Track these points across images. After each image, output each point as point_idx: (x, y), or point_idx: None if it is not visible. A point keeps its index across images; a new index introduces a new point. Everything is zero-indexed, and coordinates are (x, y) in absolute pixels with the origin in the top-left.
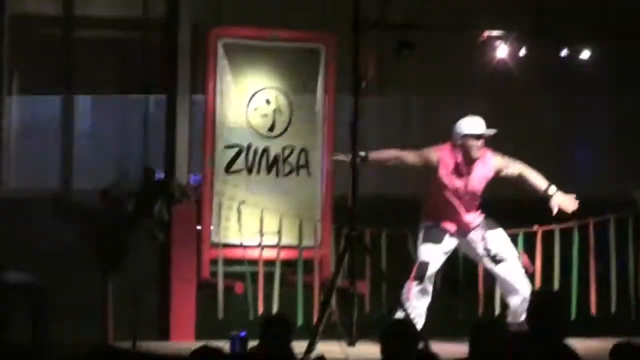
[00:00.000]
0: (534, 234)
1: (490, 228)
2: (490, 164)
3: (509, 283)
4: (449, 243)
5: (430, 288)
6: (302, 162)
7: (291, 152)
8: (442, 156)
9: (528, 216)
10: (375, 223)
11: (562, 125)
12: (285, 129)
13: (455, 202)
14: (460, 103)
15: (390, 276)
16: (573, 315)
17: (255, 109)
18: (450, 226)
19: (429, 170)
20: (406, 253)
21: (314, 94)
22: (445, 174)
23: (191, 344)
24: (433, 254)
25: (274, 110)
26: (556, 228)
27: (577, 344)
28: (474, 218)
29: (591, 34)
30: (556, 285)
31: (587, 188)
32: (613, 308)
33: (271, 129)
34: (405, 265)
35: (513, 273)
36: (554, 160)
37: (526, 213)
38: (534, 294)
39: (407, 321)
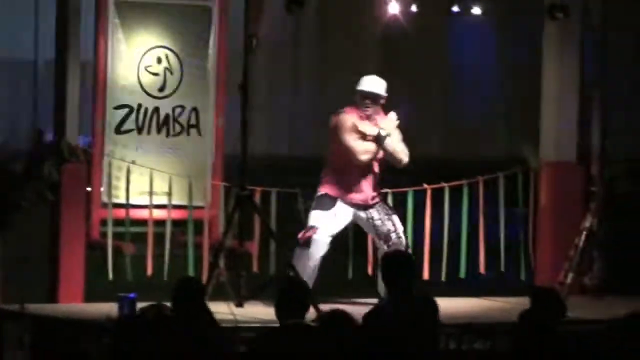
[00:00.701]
0: (424, 192)
1: (387, 213)
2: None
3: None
4: (344, 213)
5: (322, 251)
6: (192, 121)
7: (182, 112)
8: (348, 117)
9: (417, 175)
10: (265, 183)
11: (452, 85)
12: (176, 89)
13: (356, 170)
14: (354, 61)
15: (279, 236)
16: (462, 274)
17: (146, 67)
18: (348, 196)
19: (333, 135)
20: (296, 213)
21: (205, 53)
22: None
23: (80, 307)
24: (325, 220)
25: (165, 69)
26: (445, 187)
27: (466, 302)
28: (372, 191)
29: None
30: (445, 244)
31: (478, 148)
32: (502, 267)
33: (162, 88)
34: (295, 225)
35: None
36: (441, 120)
37: (416, 172)
38: (383, 256)
39: (298, 281)
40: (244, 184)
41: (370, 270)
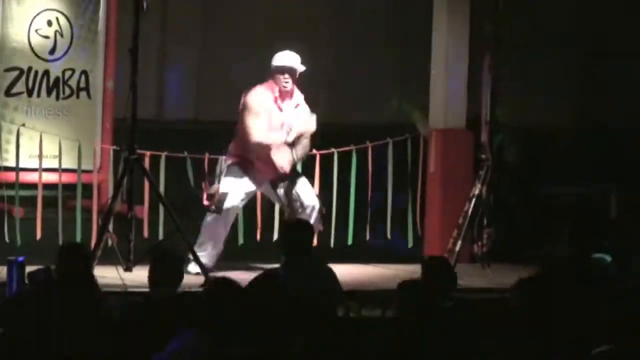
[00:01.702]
0: (313, 157)
1: (295, 176)
2: (301, 104)
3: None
4: (254, 182)
5: (231, 218)
6: (82, 84)
7: (72, 75)
8: (260, 99)
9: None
10: (155, 147)
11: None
12: (66, 52)
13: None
14: (241, 23)
15: (168, 200)
16: (349, 241)
17: (37, 30)
18: (259, 168)
19: (241, 112)
20: (185, 177)
21: (96, 16)
22: (263, 111)
23: None
24: (233, 188)
25: (56, 32)
26: (334, 152)
27: (352, 269)
28: (284, 161)
29: None
30: (334, 210)
31: (368, 114)
32: (389, 234)
33: (52, 51)
34: (184, 189)
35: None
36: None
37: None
38: (284, 225)
39: (171, 251)
40: (133, 147)
41: (258, 236)
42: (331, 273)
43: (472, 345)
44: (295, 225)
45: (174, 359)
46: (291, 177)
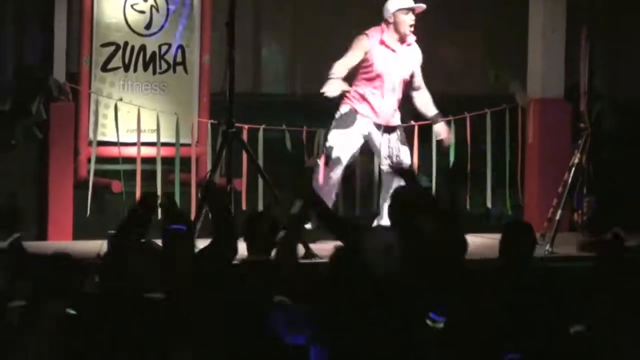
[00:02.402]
0: (412, 128)
1: (401, 142)
2: (416, 56)
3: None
4: (360, 130)
5: (339, 174)
6: (179, 59)
7: (168, 50)
8: (373, 43)
9: (404, 113)
10: (252, 120)
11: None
12: (162, 26)
13: (380, 90)
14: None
15: (267, 173)
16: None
17: (133, 5)
18: (368, 110)
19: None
20: (284, 150)
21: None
22: (377, 58)
23: (69, 244)
24: (341, 139)
25: (151, 7)
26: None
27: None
28: (393, 114)
29: None
30: (434, 181)
31: (465, 85)
32: (489, 203)
33: (148, 26)
34: (281, 162)
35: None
36: (430, 60)
37: (403, 109)
38: (393, 194)
39: (266, 216)
40: (232, 121)
41: (358, 208)
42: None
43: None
44: (404, 197)
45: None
46: (398, 137)
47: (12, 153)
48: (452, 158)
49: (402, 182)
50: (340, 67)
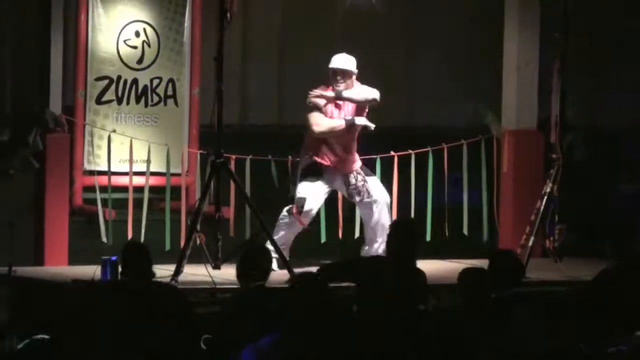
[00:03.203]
0: (391, 159)
1: (367, 174)
2: (362, 92)
3: (373, 223)
4: (329, 180)
5: (309, 220)
6: (169, 92)
7: (159, 83)
8: (322, 96)
9: (384, 144)
10: (240, 151)
11: (410, 59)
12: (154, 61)
13: (335, 140)
14: (320, 34)
15: (253, 201)
16: (428, 238)
17: (125, 41)
18: (330, 162)
19: (307, 107)
20: (269, 178)
21: (181, 28)
22: (326, 111)
23: (65, 269)
24: (310, 191)
25: (143, 42)
26: (412, 153)
27: (430, 264)
28: (352, 158)
29: None
30: (412, 210)
31: (443, 118)
32: (466, 230)
33: (140, 60)
34: (268, 190)
35: (378, 217)
36: (412, 94)
37: (383, 141)
38: (393, 224)
39: (259, 247)
40: (220, 151)
41: (340, 234)
42: (421, 274)
43: (529, 332)
44: (400, 227)
45: (265, 353)
46: (363, 173)
47: (10, 182)
48: (429, 188)
49: (381, 213)
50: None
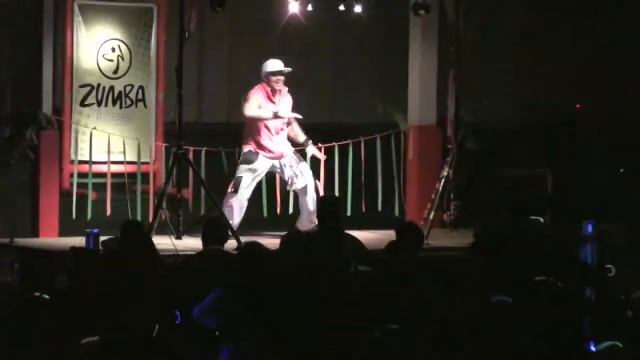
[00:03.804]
0: (318, 149)
1: (298, 161)
2: (288, 99)
3: (305, 201)
4: (262, 164)
5: (246, 196)
6: (140, 97)
7: (131, 89)
8: (257, 95)
9: (313, 137)
10: (197, 143)
11: (341, 72)
12: (127, 71)
13: (268, 129)
14: (264, 49)
15: (208, 184)
16: (348, 213)
17: (104, 55)
18: (264, 150)
19: (243, 102)
20: (220, 166)
21: (149, 43)
22: (264, 109)
23: (56, 240)
24: (247, 171)
25: (118, 57)
26: (335, 145)
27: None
28: (283, 146)
29: None
30: (336, 190)
31: (361, 115)
32: (380, 207)
33: (115, 71)
34: (220, 175)
35: (308, 195)
36: (330, 103)
37: (312, 134)
38: (320, 199)
39: (217, 218)
40: (180, 144)
41: (279, 210)
42: (351, 240)
43: (433, 289)
44: (327, 201)
45: (209, 308)
46: (294, 159)
47: (10, 169)
48: (350, 174)
49: (308, 191)
50: (253, 104)
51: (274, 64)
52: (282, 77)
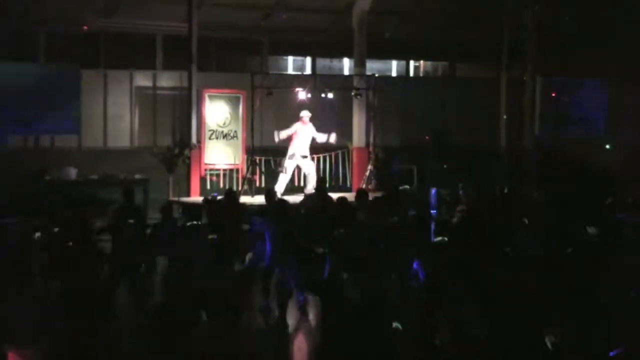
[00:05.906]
0: (312, 158)
1: (308, 160)
2: (311, 127)
3: (309, 177)
4: (297, 160)
5: (288, 178)
6: (234, 135)
7: (231, 131)
8: (299, 125)
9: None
10: (260, 155)
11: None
12: (229, 123)
13: (301, 143)
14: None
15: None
16: (327, 185)
17: (219, 116)
18: (298, 153)
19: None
20: (269, 167)
21: (239, 111)
22: (299, 130)
23: (198, 198)
24: (290, 164)
25: (225, 117)
26: (321, 156)
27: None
28: (307, 152)
29: None
30: (328, 178)
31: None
32: (341, 182)
33: (224, 124)
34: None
35: (311, 174)
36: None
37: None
38: (317, 180)
39: (272, 189)
40: (253, 156)
41: (296, 182)
42: (334, 199)
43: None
44: (319, 180)
45: (261, 223)
46: (306, 159)
47: (178, 168)
48: (328, 170)
49: (311, 173)
50: (283, 133)
51: (303, 112)
52: (306, 118)
